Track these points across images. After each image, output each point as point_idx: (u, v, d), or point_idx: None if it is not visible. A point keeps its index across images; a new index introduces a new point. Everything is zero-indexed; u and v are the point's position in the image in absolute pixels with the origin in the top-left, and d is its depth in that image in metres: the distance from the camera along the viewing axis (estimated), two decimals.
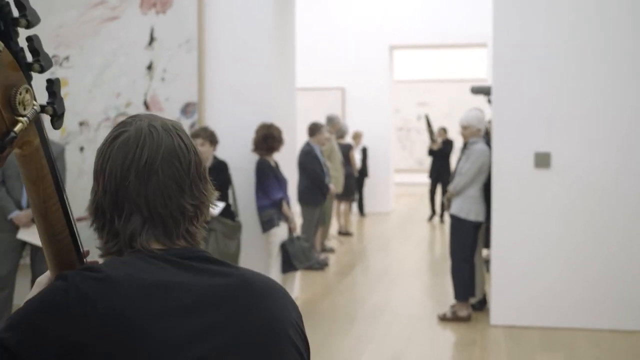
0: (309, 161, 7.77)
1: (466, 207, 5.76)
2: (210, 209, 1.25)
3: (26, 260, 5.25)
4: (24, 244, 5.02)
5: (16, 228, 4.92)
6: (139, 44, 5.82)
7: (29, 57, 1.05)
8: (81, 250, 1.21)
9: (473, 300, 5.95)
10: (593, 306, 5.42)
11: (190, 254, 1.18)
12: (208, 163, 5.36)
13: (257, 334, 1.16)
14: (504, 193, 5.54)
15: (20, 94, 1.01)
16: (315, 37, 11.86)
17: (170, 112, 5.78)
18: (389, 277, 7.67)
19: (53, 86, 1.10)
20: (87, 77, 5.82)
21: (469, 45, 12.51)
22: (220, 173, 5.38)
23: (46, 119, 1.13)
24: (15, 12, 1.02)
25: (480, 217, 5.78)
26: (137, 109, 5.78)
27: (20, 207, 4.94)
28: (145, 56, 5.82)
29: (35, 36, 1.05)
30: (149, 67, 5.81)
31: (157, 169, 1.16)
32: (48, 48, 6.42)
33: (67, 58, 5.86)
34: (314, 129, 7.97)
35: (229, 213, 5.44)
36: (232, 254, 5.37)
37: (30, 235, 4.95)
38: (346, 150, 10.18)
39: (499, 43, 5.55)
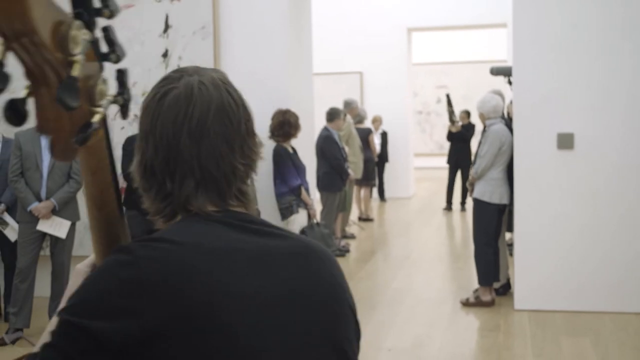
0: (328, 146, 7.71)
1: (489, 190, 5.66)
2: None
3: (46, 251, 5.26)
4: (43, 235, 5.03)
5: (36, 219, 4.93)
6: (154, 31, 5.78)
7: (104, 48, 1.05)
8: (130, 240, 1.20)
9: (497, 285, 5.87)
10: (619, 289, 5.33)
11: (247, 217, 1.18)
12: None
13: (324, 295, 1.17)
14: (527, 175, 5.45)
15: (99, 85, 1.00)
16: (332, 21, 11.77)
17: None
18: (411, 262, 7.61)
19: (123, 76, 1.09)
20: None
21: (488, 25, 12.34)
22: None
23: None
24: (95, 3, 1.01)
25: (505, 200, 5.68)
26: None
27: (39, 199, 4.94)
28: (160, 44, 5.78)
29: (111, 26, 1.03)
30: (165, 55, 5.78)
31: (208, 129, 1.13)
32: None
33: None
34: (332, 114, 7.90)
35: None
36: None
37: (50, 226, 4.96)
38: (365, 134, 10.08)
39: (519, 23, 5.44)
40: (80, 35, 0.92)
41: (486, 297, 5.69)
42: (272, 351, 1.07)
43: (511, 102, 6.23)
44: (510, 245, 6.38)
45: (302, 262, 1.17)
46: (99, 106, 1.00)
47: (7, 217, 5.20)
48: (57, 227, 4.99)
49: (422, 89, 17.21)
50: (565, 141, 5.36)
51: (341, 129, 8.16)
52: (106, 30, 1.03)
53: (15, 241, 5.19)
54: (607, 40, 5.27)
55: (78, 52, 0.91)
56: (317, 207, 6.79)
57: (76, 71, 0.91)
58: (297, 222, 5.74)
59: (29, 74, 0.92)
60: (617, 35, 5.26)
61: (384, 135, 11.62)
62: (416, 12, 11.98)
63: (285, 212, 5.67)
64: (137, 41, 5.79)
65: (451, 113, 10.63)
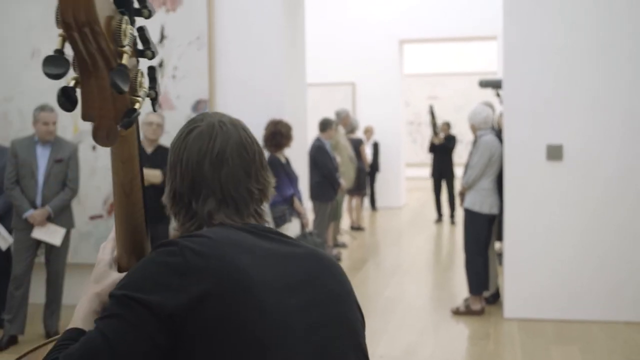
0: (320, 156, 7.78)
1: (479, 200, 5.74)
2: None
3: (41, 258, 5.28)
4: (38, 242, 5.06)
5: (31, 227, 4.96)
6: None
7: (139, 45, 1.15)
8: (148, 230, 1.34)
9: (486, 294, 5.94)
10: (608, 298, 5.40)
11: (264, 227, 1.36)
12: None
13: (336, 296, 1.33)
14: (516, 186, 5.52)
15: (138, 76, 1.10)
16: (325, 32, 11.85)
17: (181, 109, 5.80)
18: (402, 271, 7.67)
19: (154, 72, 1.20)
20: None
21: (478, 38, 12.46)
22: None
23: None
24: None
25: (494, 210, 5.76)
26: (148, 107, 5.79)
27: (34, 206, 4.97)
28: None
29: (145, 26, 1.15)
30: (160, 65, 5.83)
31: (227, 158, 1.32)
32: (58, 47, 6.47)
33: None
34: (324, 125, 7.98)
35: None
36: None
37: (45, 233, 4.99)
38: (357, 145, 10.16)
39: (509, 35, 5.53)
40: (128, 29, 1.02)
41: (476, 305, 5.75)
42: (295, 326, 1.23)
43: (501, 114, 6.32)
44: (500, 255, 6.45)
45: (314, 263, 1.34)
46: (139, 96, 1.10)
47: None
48: (52, 234, 5.02)
49: (414, 99, 17.32)
50: (555, 152, 5.45)
51: (333, 139, 8.24)
52: (141, 29, 1.14)
53: (9, 249, 5.22)
54: (596, 53, 5.37)
55: (127, 44, 1.01)
56: (310, 216, 6.84)
57: (125, 60, 1.00)
58: (290, 231, 5.80)
59: (81, 63, 1.00)
60: (606, 48, 5.35)
61: (375, 146, 11.70)
62: (408, 24, 12.09)
63: (279, 221, 5.72)
64: None
65: (434, 125, 10.72)
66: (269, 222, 1.40)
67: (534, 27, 5.46)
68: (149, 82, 1.19)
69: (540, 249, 5.51)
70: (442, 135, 10.83)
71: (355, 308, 1.37)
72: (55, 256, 5.10)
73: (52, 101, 5.39)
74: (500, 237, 6.06)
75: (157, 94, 1.21)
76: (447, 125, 11.07)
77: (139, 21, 1.11)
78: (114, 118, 1.05)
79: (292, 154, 5.95)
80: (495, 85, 6.71)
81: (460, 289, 6.47)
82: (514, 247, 5.57)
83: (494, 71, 12.65)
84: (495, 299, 6.02)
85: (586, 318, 5.42)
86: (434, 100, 16.71)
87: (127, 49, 1.01)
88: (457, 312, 5.77)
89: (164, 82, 5.83)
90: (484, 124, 5.86)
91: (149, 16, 1.11)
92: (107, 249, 1.35)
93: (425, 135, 17.28)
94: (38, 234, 4.97)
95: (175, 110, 5.81)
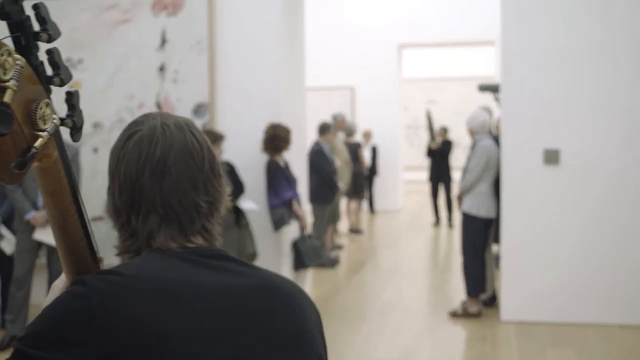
0: (319, 160, 7.84)
1: (477, 203, 5.80)
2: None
3: (42, 260, 5.33)
4: (40, 244, 5.10)
5: (32, 228, 5.00)
6: (151, 46, 5.89)
7: (49, 71, 1.04)
8: (97, 256, 1.20)
9: (483, 296, 5.99)
10: (603, 302, 5.45)
11: (209, 252, 1.17)
12: None
13: (281, 339, 1.15)
14: (514, 190, 5.57)
15: (41, 108, 0.98)
16: (325, 37, 11.91)
17: (182, 112, 5.85)
18: (400, 274, 7.72)
19: (72, 99, 1.07)
20: (100, 79, 5.90)
21: (477, 43, 12.54)
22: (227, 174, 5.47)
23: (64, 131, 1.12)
24: (36, 27, 1.01)
25: (491, 214, 5.81)
26: (150, 110, 5.83)
27: (36, 208, 5.01)
28: (157, 58, 5.89)
29: (55, 49, 1.03)
30: (161, 69, 5.88)
31: (170, 167, 1.15)
32: (61, 51, 6.53)
33: (80, 61, 5.93)
34: (323, 128, 8.04)
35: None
36: (250, 254, 5.49)
37: (46, 235, 5.03)
38: (355, 148, 10.22)
39: (507, 40, 5.58)
40: (9, 60, 0.91)
41: (473, 308, 5.80)
42: None
43: (498, 119, 6.37)
44: (497, 258, 6.49)
45: (255, 303, 1.14)
46: (43, 130, 0.98)
47: (4, 230, 5.27)
48: (53, 236, 5.05)
49: (412, 103, 17.39)
50: (552, 157, 5.50)
51: (332, 143, 8.30)
52: (50, 53, 1.02)
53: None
54: (594, 58, 5.41)
55: (8, 77, 0.91)
56: (309, 219, 6.89)
57: (7, 97, 0.90)
58: (289, 233, 5.85)
59: None
60: (604, 53, 5.39)
61: (373, 149, 11.77)
62: (407, 29, 12.16)
63: (278, 223, 5.77)
64: (134, 55, 5.90)
65: (431, 130, 10.86)
66: (220, 240, 1.23)
67: (532, 32, 5.51)
68: (68, 109, 1.06)
69: (537, 252, 5.56)
70: (439, 139, 10.92)
71: (313, 355, 1.18)
72: (57, 257, 5.09)
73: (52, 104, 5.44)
74: (497, 241, 6.11)
75: (75, 123, 1.05)
76: (445, 130, 11.17)
77: (57, 43, 1.01)
78: (14, 156, 0.95)
79: (291, 158, 5.99)
80: (494, 89, 6.77)
81: (458, 291, 6.52)
82: (511, 250, 5.62)
83: (492, 75, 12.72)
84: (492, 301, 6.07)
85: (582, 321, 5.47)
86: (433, 104, 16.78)
87: (9, 83, 0.90)
88: (454, 315, 5.82)
89: (165, 86, 5.88)
90: (481, 129, 5.92)
91: (48, 40, 0.99)
92: (62, 275, 1.22)
93: (423, 139, 17.34)
94: (40, 235, 5.01)
95: (176, 113, 5.81)
